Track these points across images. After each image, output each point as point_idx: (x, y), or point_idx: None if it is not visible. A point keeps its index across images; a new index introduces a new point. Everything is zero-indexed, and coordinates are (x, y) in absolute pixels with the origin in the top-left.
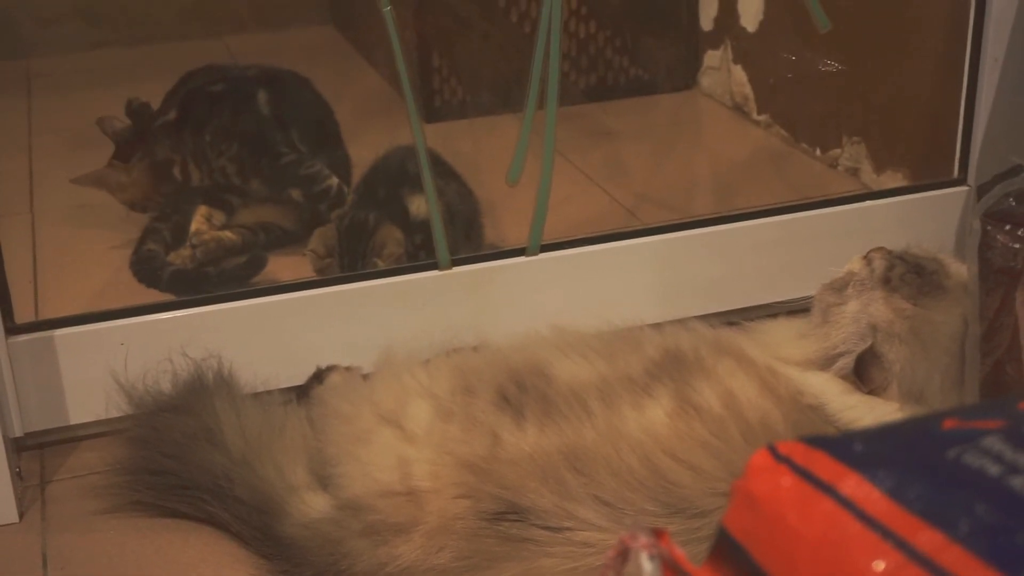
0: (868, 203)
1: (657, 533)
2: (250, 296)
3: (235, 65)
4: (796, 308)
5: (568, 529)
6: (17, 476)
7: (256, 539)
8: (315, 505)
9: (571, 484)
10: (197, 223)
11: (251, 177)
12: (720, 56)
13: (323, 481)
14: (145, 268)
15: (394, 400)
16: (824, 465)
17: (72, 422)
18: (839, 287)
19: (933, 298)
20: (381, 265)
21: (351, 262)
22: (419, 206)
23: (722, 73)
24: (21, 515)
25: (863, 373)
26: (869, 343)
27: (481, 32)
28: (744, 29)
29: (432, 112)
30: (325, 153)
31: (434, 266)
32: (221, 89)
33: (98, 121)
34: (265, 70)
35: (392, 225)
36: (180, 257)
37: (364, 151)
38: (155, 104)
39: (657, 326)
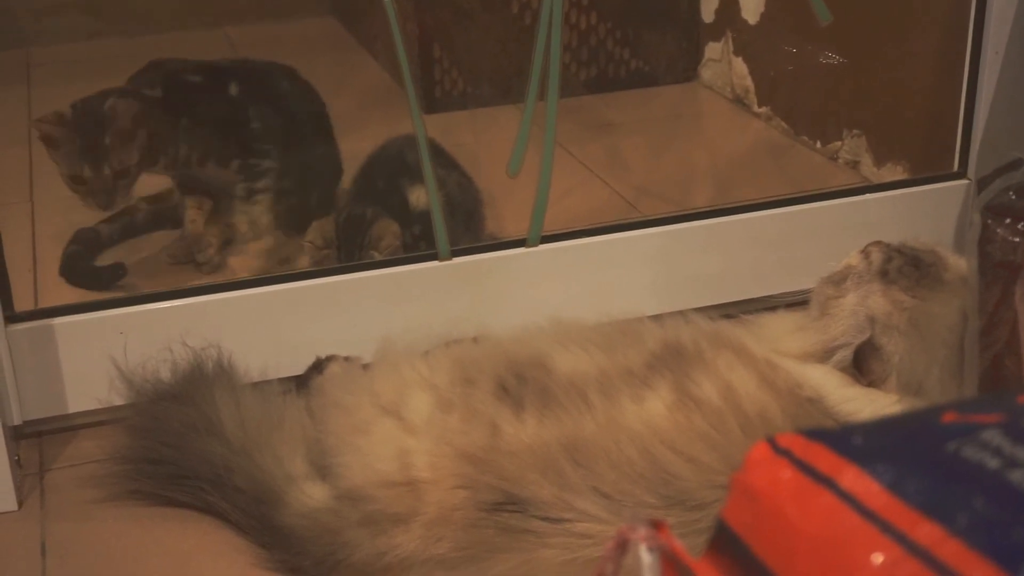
0: (868, 196)
1: (656, 525)
2: (250, 286)
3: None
4: (795, 301)
5: (567, 520)
6: (16, 464)
7: (255, 529)
8: (314, 495)
9: (570, 475)
10: (195, 216)
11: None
12: (721, 48)
13: (322, 471)
14: (74, 269)
15: (394, 391)
16: (823, 458)
17: (71, 411)
18: (837, 280)
19: (931, 290)
20: (378, 257)
21: (348, 255)
22: (419, 197)
23: (723, 65)
24: (20, 503)
25: (862, 365)
26: (868, 335)
27: (482, 23)
28: (745, 21)
29: (433, 103)
30: (311, 144)
31: (434, 257)
32: (200, 80)
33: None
34: (242, 63)
35: (389, 219)
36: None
37: (364, 142)
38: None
39: (656, 318)
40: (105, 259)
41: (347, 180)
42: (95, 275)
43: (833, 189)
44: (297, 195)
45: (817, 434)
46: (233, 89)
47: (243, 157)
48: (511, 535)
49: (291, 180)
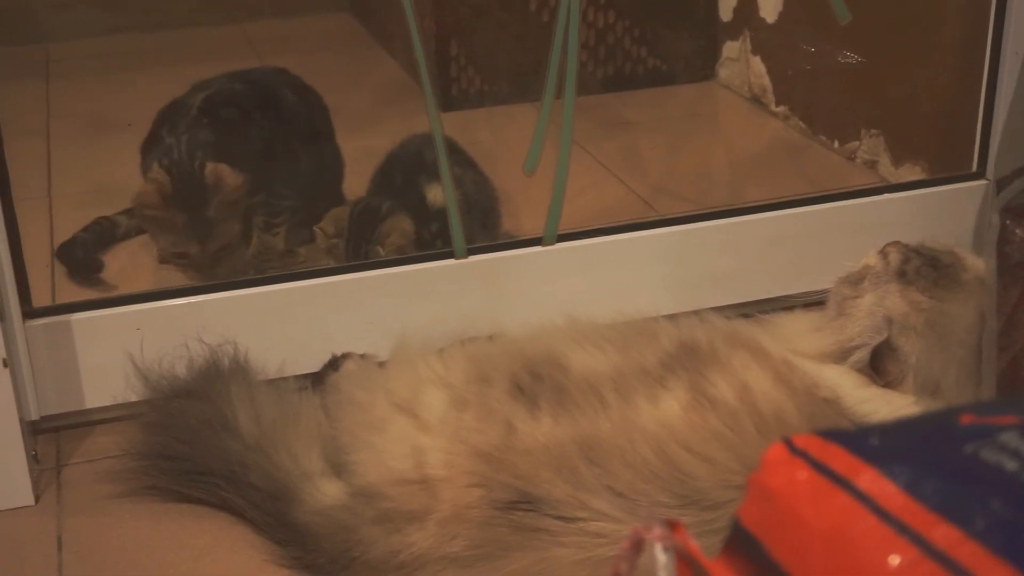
0: (886, 196)
1: (672, 525)
2: (266, 283)
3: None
4: (812, 301)
5: (581, 519)
6: (33, 459)
7: (270, 525)
8: (329, 492)
9: (585, 474)
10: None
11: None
12: (739, 47)
13: (337, 468)
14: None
15: (409, 388)
16: (840, 459)
17: (88, 406)
18: (855, 281)
19: (949, 291)
20: (383, 254)
21: (356, 247)
22: (436, 194)
23: (740, 64)
24: (37, 498)
25: (879, 366)
26: (885, 336)
27: (499, 21)
28: (763, 20)
29: (449, 101)
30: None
31: (450, 255)
32: (233, 114)
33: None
34: (245, 80)
35: (403, 216)
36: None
37: (381, 139)
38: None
39: (672, 318)
40: (119, 251)
41: (350, 176)
42: (83, 267)
43: (851, 189)
44: (306, 210)
45: (834, 435)
46: (256, 115)
47: (266, 193)
48: (525, 534)
49: (302, 200)
